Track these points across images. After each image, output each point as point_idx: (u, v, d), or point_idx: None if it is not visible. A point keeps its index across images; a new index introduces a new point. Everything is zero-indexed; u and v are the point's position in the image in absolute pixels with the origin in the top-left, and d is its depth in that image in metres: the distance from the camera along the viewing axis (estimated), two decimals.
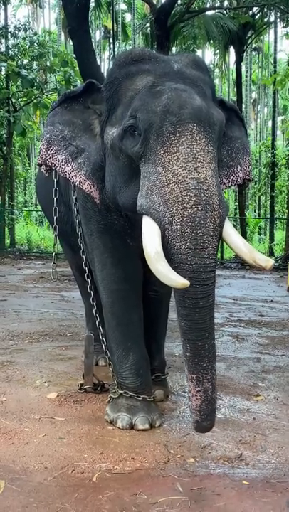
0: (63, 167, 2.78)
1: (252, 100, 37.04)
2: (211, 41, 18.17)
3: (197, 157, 2.29)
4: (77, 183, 2.79)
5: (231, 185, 2.96)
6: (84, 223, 3.19)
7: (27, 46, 15.54)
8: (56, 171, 3.21)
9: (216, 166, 2.39)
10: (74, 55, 11.90)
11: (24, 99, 16.44)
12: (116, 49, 23.46)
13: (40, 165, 2.83)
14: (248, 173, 2.98)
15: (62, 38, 28.50)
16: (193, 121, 2.33)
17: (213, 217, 2.27)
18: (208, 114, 2.40)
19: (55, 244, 3.63)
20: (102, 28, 30.72)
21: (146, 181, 2.41)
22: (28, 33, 16.06)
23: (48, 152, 2.79)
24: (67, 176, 2.80)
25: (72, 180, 2.81)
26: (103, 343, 3.27)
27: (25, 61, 15.83)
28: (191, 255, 2.24)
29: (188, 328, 2.33)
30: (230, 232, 2.48)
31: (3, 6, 17.50)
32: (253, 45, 26.32)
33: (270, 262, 2.46)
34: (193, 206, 2.24)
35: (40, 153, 2.82)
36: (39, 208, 24.16)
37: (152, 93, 2.44)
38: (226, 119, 2.77)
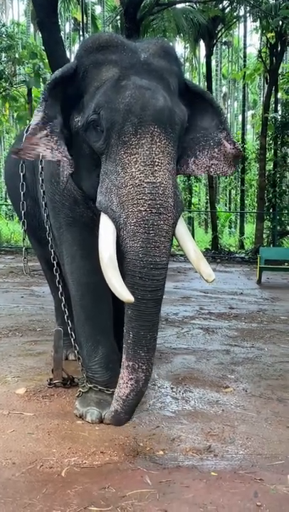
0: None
1: (222, 94, 37.17)
2: (181, 34, 18.16)
3: (155, 160, 2.37)
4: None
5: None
6: (52, 217, 3.17)
7: None
8: (22, 167, 3.19)
9: (173, 166, 2.47)
10: (43, 47, 11.77)
11: None
12: None
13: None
14: (235, 149, 2.84)
15: (32, 29, 28.11)
16: (155, 123, 2.39)
17: (166, 218, 2.39)
18: (170, 114, 2.45)
19: (24, 239, 3.59)
20: (72, 20, 30.38)
21: (106, 179, 2.50)
22: None
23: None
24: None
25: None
26: (72, 337, 3.25)
27: None
28: (142, 253, 2.37)
29: (134, 317, 2.45)
30: (184, 234, 2.63)
31: None
32: (223, 39, 26.40)
33: (211, 277, 2.58)
34: (148, 209, 2.35)
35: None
36: (8, 201, 23.89)
37: (116, 88, 2.45)
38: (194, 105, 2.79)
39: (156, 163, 2.37)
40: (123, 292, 2.36)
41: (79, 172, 2.73)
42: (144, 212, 2.35)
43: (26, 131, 2.70)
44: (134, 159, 2.38)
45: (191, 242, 2.66)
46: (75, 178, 2.78)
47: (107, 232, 2.48)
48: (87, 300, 3.10)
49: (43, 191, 3.16)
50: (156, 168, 2.37)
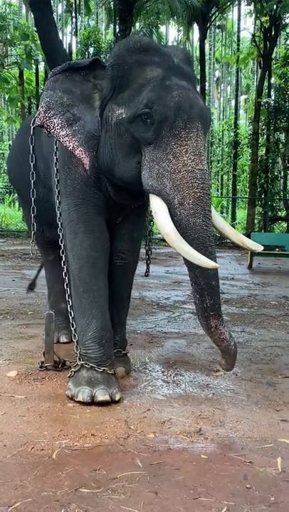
0: (58, 131, 2.99)
1: (215, 78, 36.98)
2: (175, 17, 17.97)
3: (201, 151, 2.77)
4: (70, 148, 2.99)
5: None
6: (63, 201, 3.25)
7: None
8: (33, 157, 3.43)
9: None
10: (35, 28, 11.64)
11: None
12: (78, 23, 23.02)
13: (41, 126, 3.04)
14: None
15: (24, 10, 27.78)
16: (199, 119, 2.79)
17: (210, 198, 2.85)
18: (206, 114, 2.89)
19: (33, 224, 3.60)
20: (64, 2, 30.02)
21: (156, 165, 2.80)
22: None
23: (46, 115, 3.00)
24: (61, 140, 2.99)
25: (65, 145, 3.00)
26: (71, 315, 3.25)
27: None
28: (205, 225, 2.78)
29: (217, 285, 2.89)
30: (214, 213, 2.92)
31: None
32: (217, 23, 26.21)
33: (259, 247, 3.01)
34: (201, 190, 2.75)
35: (39, 114, 3.04)
36: None
37: (163, 87, 2.78)
38: None
39: (202, 154, 2.77)
40: (208, 261, 2.70)
41: (114, 159, 2.97)
42: (199, 194, 2.74)
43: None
44: (185, 149, 2.74)
45: (221, 219, 3.07)
46: (109, 164, 2.99)
47: (163, 211, 2.80)
48: (85, 273, 3.16)
49: (57, 180, 3.25)
50: (202, 158, 2.77)
